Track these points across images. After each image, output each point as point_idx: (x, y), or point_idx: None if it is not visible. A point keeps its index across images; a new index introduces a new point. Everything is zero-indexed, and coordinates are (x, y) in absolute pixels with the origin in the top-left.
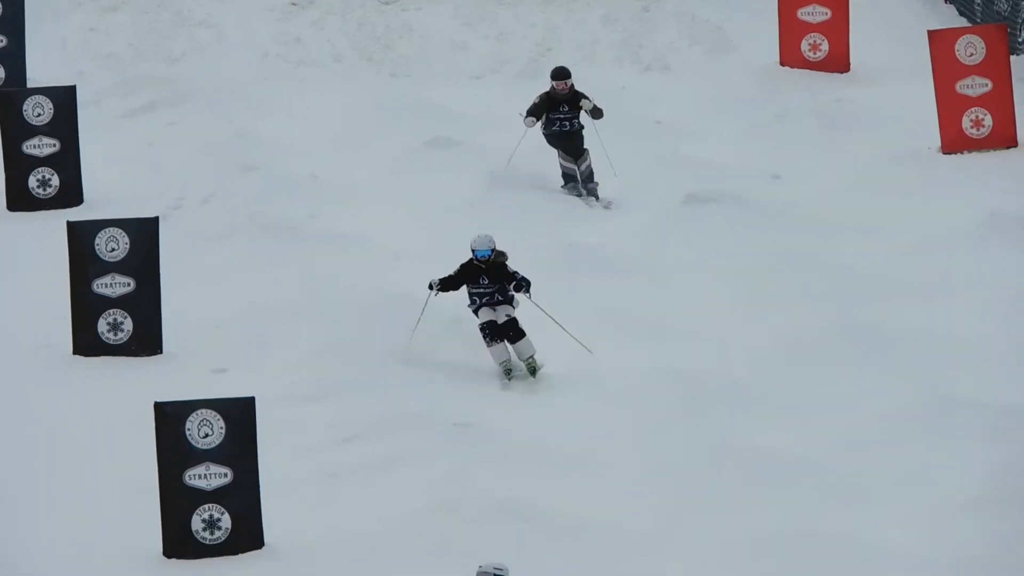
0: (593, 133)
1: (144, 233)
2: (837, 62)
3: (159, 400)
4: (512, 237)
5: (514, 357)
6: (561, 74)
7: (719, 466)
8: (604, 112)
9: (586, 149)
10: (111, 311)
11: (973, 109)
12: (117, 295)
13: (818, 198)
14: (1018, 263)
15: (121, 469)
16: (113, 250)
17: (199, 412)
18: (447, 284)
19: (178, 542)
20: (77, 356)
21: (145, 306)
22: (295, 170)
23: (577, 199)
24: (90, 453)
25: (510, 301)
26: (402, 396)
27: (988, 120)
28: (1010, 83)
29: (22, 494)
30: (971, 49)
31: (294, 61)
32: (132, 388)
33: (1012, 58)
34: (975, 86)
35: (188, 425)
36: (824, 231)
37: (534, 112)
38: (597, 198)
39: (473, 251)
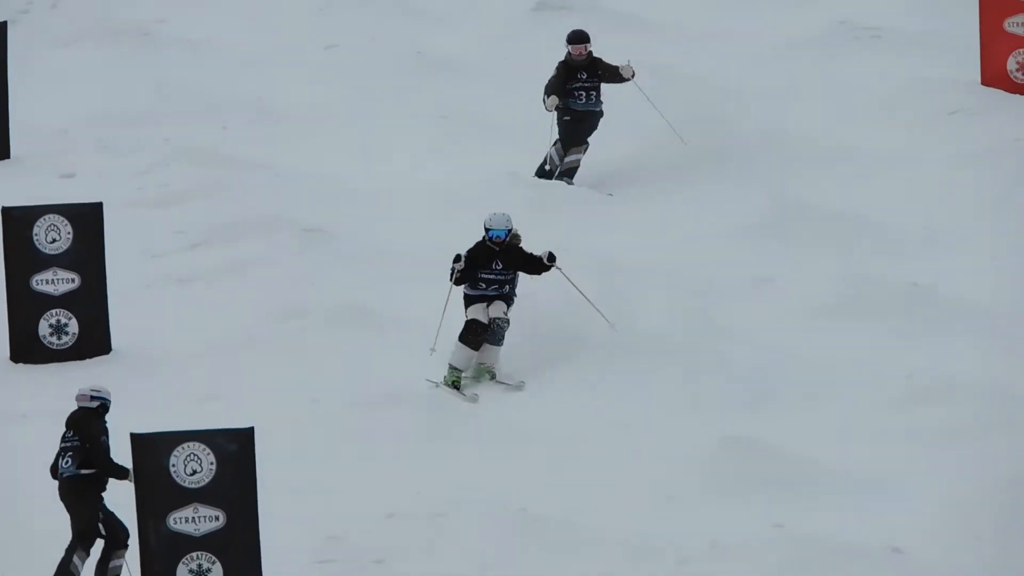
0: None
1: None
2: None
3: (6, 205)
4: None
5: (473, 364)
6: (579, 38)
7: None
8: (633, 69)
9: (586, 144)
10: None
11: None
12: None
13: (670, 5)
14: (867, 70)
15: None
16: None
17: (47, 217)
18: (464, 275)
19: (25, 347)
20: None
21: None
22: None
23: None
24: None
25: (509, 299)
26: (252, 201)
27: None
28: None
29: None
30: None
31: None
32: None
33: None
34: None
35: (35, 230)
36: (676, 41)
37: (554, 89)
38: (564, 177)
39: (487, 230)
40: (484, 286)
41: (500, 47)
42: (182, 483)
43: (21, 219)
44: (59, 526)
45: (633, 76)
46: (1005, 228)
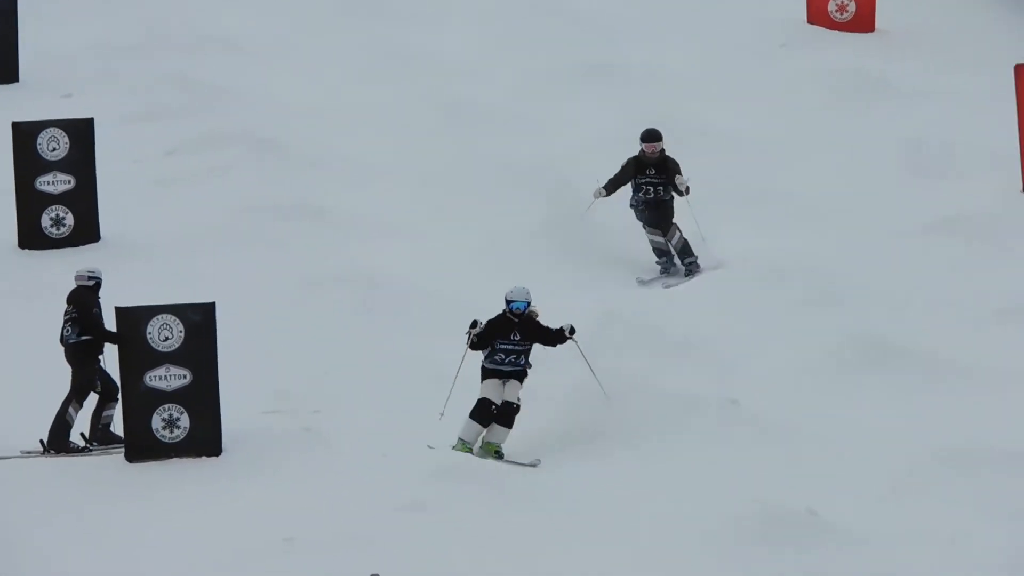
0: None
1: None
2: None
3: (15, 120)
4: None
5: (479, 440)
6: (652, 136)
7: (476, 174)
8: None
9: (674, 223)
10: None
11: None
12: None
13: None
14: (715, 11)
15: None
16: None
17: (48, 130)
18: (480, 341)
19: (30, 236)
20: None
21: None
22: None
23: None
24: None
25: (522, 376)
26: (218, 117)
27: None
28: None
29: None
30: None
31: None
32: None
33: None
34: None
35: (39, 141)
36: None
37: (611, 185)
38: (693, 272)
39: (508, 302)
40: (502, 356)
41: None
42: (156, 348)
43: (27, 131)
44: (59, 382)
45: (687, 192)
46: (827, 136)
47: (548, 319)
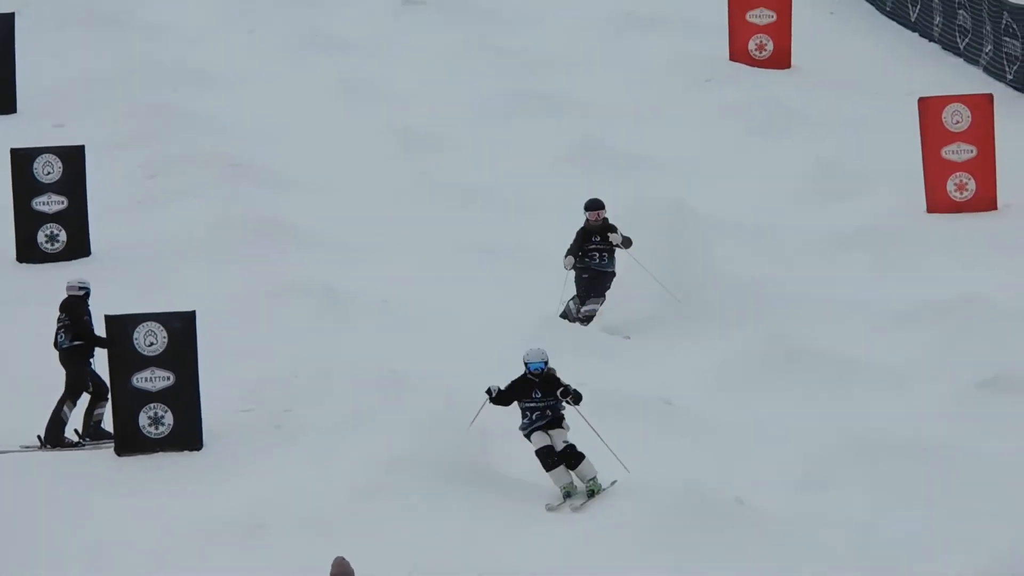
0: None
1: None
2: None
3: (13, 147)
4: None
5: (575, 479)
6: (594, 205)
7: (426, 194)
8: (632, 241)
9: (603, 297)
10: None
11: None
12: None
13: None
14: (644, 47)
15: None
16: None
17: (43, 156)
18: (500, 398)
19: (27, 251)
20: None
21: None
22: None
23: None
24: None
25: (561, 422)
26: (194, 142)
27: None
28: None
29: None
30: None
31: None
32: None
33: None
34: None
35: (35, 165)
36: (508, 24)
37: (573, 251)
38: (582, 322)
39: (526, 364)
40: (531, 416)
41: (375, 28)
42: (142, 352)
43: (24, 157)
44: (54, 383)
45: (621, 244)
46: (747, 160)
47: (492, 323)
